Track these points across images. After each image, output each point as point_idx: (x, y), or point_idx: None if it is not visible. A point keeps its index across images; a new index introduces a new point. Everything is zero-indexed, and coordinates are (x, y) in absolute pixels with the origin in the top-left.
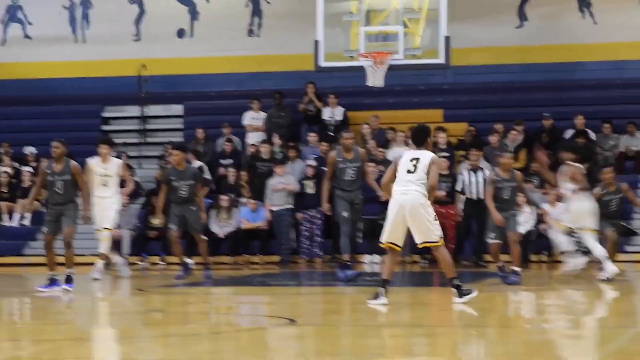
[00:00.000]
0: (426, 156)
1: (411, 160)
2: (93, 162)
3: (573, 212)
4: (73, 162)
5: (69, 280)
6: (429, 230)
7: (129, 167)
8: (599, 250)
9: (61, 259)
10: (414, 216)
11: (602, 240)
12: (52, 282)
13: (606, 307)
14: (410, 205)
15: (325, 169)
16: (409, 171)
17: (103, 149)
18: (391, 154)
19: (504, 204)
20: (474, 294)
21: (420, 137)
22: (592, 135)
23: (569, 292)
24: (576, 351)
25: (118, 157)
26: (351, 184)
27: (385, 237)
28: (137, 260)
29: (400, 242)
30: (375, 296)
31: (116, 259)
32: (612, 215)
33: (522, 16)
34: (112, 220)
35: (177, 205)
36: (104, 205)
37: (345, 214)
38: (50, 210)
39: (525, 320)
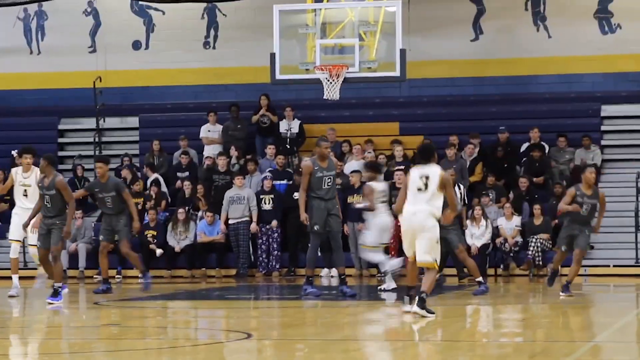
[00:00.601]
0: (436, 172)
1: (421, 178)
2: (15, 171)
3: (375, 228)
4: (58, 178)
5: (55, 293)
6: (427, 251)
7: (85, 179)
8: (387, 264)
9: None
10: (421, 234)
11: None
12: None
13: (562, 321)
14: (418, 224)
15: (281, 182)
16: (419, 189)
17: (26, 158)
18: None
19: None
20: (431, 316)
21: (427, 155)
22: (547, 148)
23: (526, 306)
24: None
25: (74, 169)
26: (328, 192)
27: (419, 258)
28: (93, 273)
29: None
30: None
31: (15, 279)
32: (582, 221)
33: (478, 29)
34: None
35: (107, 217)
36: (25, 216)
37: (316, 227)
38: (42, 224)
39: (483, 334)
